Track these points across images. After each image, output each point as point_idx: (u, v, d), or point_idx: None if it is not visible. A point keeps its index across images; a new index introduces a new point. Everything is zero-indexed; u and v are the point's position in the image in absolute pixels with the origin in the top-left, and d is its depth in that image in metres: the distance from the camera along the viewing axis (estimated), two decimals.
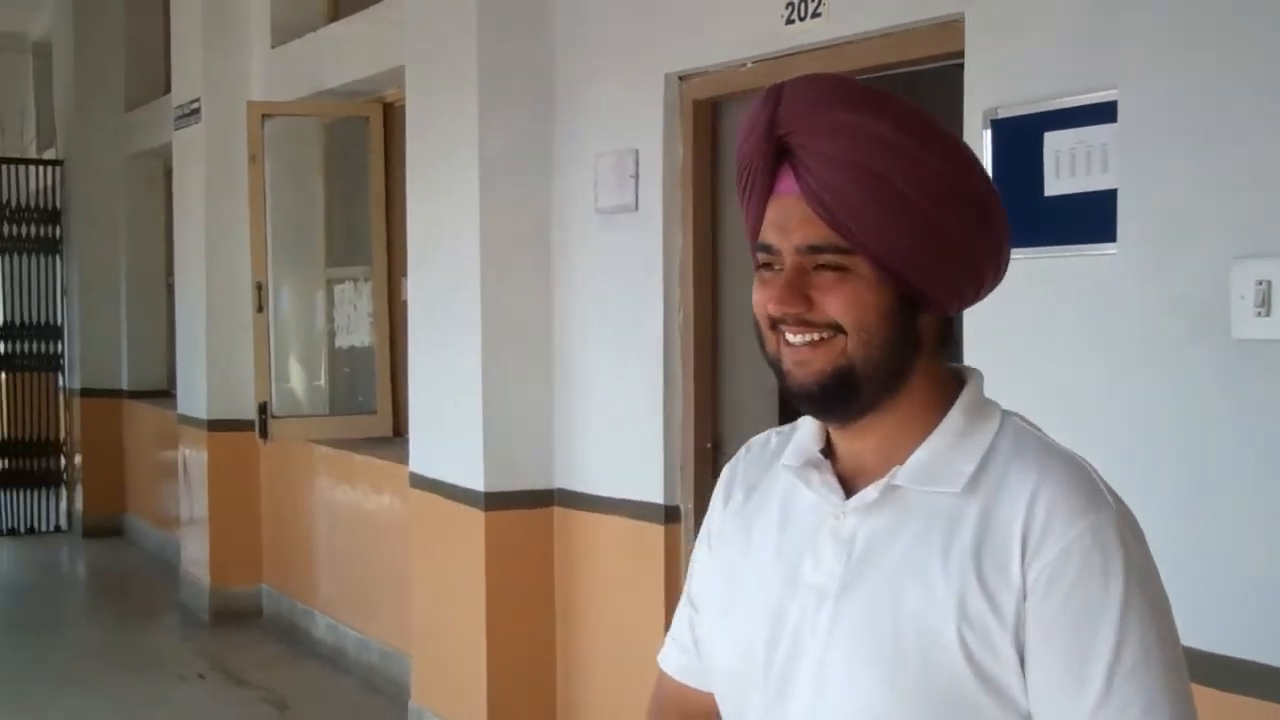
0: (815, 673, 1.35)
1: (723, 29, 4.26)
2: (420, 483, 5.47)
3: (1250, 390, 2.64)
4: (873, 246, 1.30)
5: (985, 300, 1.42)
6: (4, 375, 11.08)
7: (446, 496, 5.23)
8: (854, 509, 1.37)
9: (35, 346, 10.94)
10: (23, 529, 10.93)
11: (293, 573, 7.57)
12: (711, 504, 1.56)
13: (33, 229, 10.84)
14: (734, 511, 1.51)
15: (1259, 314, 2.58)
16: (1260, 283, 2.58)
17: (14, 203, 10.77)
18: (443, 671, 5.38)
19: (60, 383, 11.07)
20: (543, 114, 5.02)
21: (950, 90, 3.42)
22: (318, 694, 6.53)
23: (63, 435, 11.10)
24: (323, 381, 7.44)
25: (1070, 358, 3.10)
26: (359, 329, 7.10)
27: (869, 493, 1.36)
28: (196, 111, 7.95)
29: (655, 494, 4.58)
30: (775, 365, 1.38)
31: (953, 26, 3.44)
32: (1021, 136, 3.17)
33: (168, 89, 8.84)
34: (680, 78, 4.51)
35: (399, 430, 6.60)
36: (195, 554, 8.21)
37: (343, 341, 7.28)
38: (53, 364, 11.01)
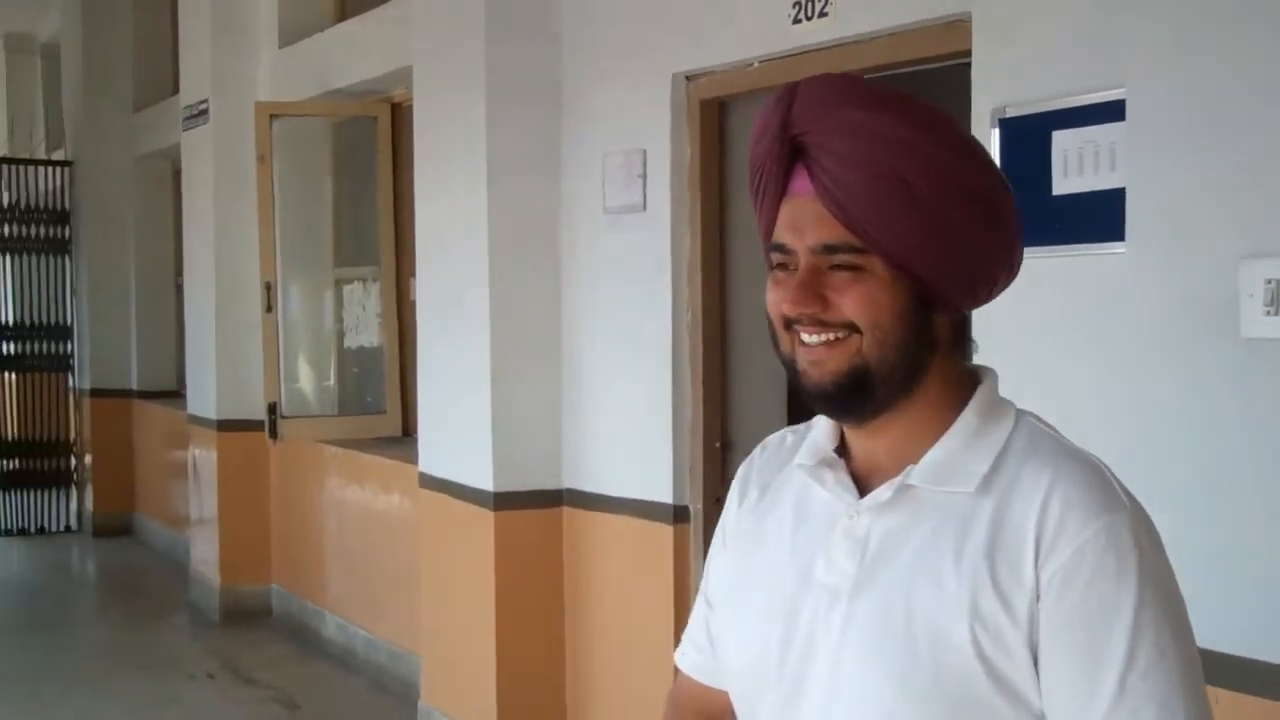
0: (829, 672, 1.35)
1: (729, 29, 4.26)
2: (429, 483, 5.48)
3: (1259, 389, 2.63)
4: (888, 245, 1.30)
5: (993, 299, 1.42)
6: (14, 376, 11.10)
7: (455, 496, 5.24)
8: (867, 508, 1.37)
9: (45, 347, 10.97)
10: (33, 529, 10.96)
11: (302, 572, 7.59)
12: (727, 503, 1.57)
13: (42, 229, 10.87)
14: (749, 510, 1.52)
15: (1268, 312, 2.58)
16: (1269, 281, 2.58)
17: (23, 203, 10.80)
18: (452, 671, 5.39)
19: (70, 383, 11.09)
20: (550, 114, 5.02)
21: (957, 90, 3.42)
22: (327, 694, 6.54)
23: (73, 435, 11.12)
24: (332, 381, 7.45)
25: (1078, 357, 3.09)
26: (368, 329, 7.11)
27: (882, 492, 1.36)
28: (205, 112, 7.97)
29: (664, 494, 4.58)
30: (789, 365, 1.38)
31: (959, 26, 3.44)
32: (1029, 136, 3.16)
33: (176, 89, 8.86)
34: (687, 77, 4.51)
35: (408, 430, 6.61)
36: (205, 553, 8.23)
37: (351, 341, 7.29)
38: (62, 364, 11.03)
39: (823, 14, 3.86)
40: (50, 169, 11.00)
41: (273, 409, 6.78)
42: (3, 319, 10.94)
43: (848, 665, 1.34)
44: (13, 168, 10.91)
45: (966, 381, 1.40)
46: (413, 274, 5.92)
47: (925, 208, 1.30)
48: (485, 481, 5.02)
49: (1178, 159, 2.76)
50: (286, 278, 7.07)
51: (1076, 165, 3.06)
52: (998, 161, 3.17)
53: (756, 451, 1.57)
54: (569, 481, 5.05)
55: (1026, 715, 1.29)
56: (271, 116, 6.90)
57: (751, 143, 1.37)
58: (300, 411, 7.09)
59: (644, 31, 4.65)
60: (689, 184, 4.53)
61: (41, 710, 6.35)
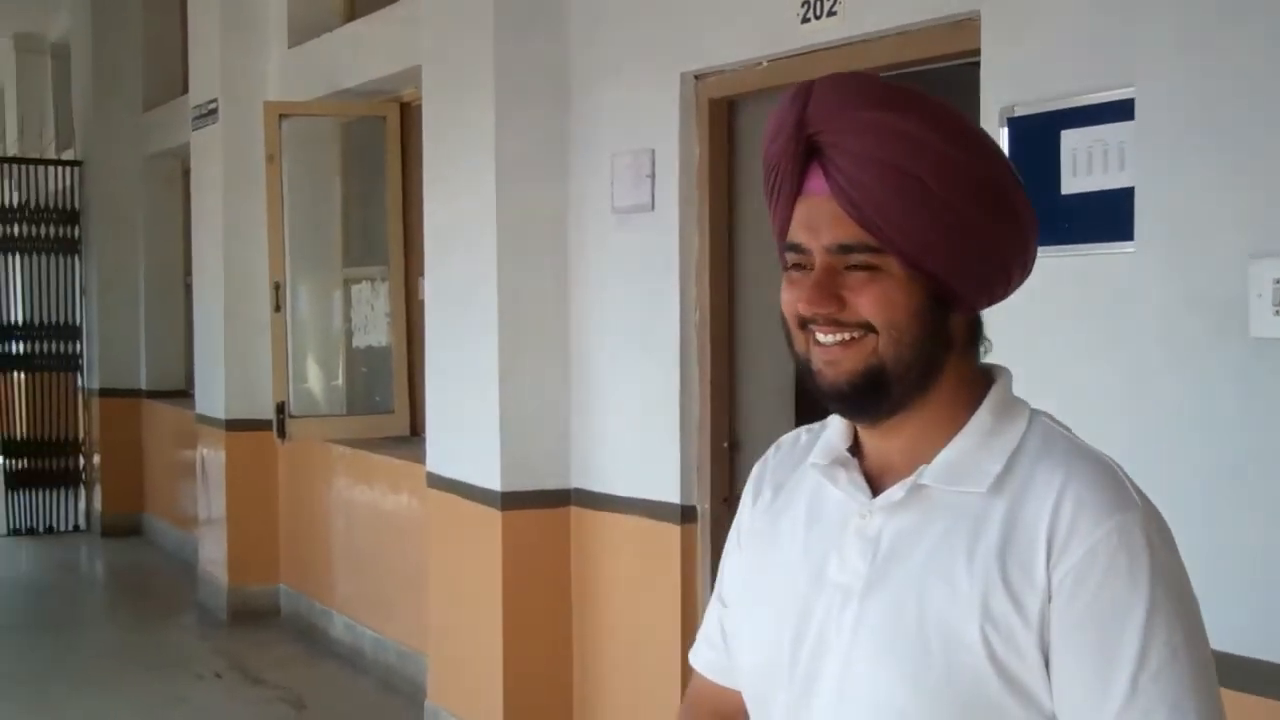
0: (840, 671, 1.35)
1: (738, 28, 4.26)
2: (437, 482, 5.48)
3: (1267, 388, 2.63)
4: (903, 245, 1.30)
5: (1008, 296, 1.42)
6: (23, 375, 11.11)
7: (463, 496, 5.24)
8: (880, 508, 1.37)
9: (54, 346, 10.98)
10: (42, 528, 10.97)
11: (310, 572, 7.59)
12: (742, 502, 1.57)
13: (51, 229, 10.88)
14: (763, 509, 1.52)
15: (1277, 312, 2.57)
16: (1278, 281, 2.57)
17: (33, 203, 10.81)
18: (459, 671, 5.39)
19: (79, 383, 11.11)
20: (559, 114, 5.03)
21: (966, 89, 3.41)
22: (335, 693, 6.55)
23: (81, 435, 11.13)
24: (340, 381, 7.45)
25: (1087, 356, 3.09)
26: (376, 328, 7.12)
27: (895, 492, 1.36)
28: (214, 112, 7.98)
29: (672, 494, 4.57)
30: (804, 365, 1.38)
31: (968, 25, 3.44)
32: (1038, 135, 3.16)
33: (185, 89, 8.88)
34: (696, 76, 4.51)
35: (416, 430, 6.61)
36: (213, 553, 8.24)
37: (360, 341, 7.30)
38: (71, 364, 11.05)
39: (831, 13, 3.86)
40: (60, 169, 11.01)
41: (281, 408, 6.79)
42: (12, 318, 10.95)
43: (859, 665, 1.34)
44: (22, 167, 10.93)
45: (981, 381, 1.40)
46: (421, 274, 5.93)
47: (939, 206, 1.29)
48: (493, 481, 5.02)
49: (1187, 158, 2.75)
50: (295, 277, 7.08)
51: (1085, 164, 3.06)
52: None
53: (771, 451, 1.57)
54: (577, 481, 5.05)
55: (1038, 716, 1.29)
56: (281, 116, 6.91)
57: (766, 142, 1.37)
58: (308, 411, 7.10)
59: (652, 31, 4.65)
60: (697, 183, 4.53)
61: (50, 710, 6.36)
